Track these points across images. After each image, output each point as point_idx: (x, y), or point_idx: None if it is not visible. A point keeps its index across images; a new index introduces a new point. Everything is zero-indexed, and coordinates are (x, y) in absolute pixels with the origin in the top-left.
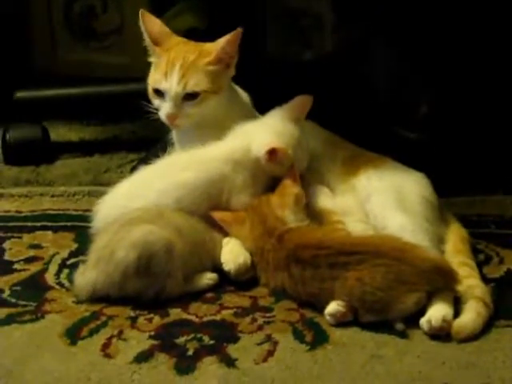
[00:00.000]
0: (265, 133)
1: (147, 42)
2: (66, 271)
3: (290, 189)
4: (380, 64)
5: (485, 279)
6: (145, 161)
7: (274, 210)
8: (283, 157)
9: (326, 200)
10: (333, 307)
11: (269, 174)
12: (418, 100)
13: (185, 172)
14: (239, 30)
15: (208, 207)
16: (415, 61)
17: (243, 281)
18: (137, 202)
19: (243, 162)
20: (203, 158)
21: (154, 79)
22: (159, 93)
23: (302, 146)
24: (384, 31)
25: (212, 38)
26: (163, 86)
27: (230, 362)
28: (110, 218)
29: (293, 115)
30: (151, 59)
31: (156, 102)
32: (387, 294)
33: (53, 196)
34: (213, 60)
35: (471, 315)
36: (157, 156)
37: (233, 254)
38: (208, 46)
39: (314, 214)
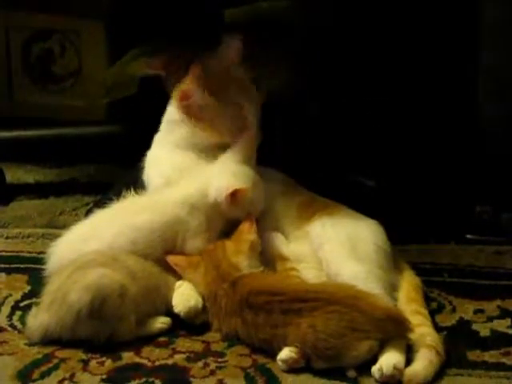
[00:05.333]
0: (222, 176)
1: None
2: (18, 313)
3: (246, 235)
4: (334, 111)
5: (437, 327)
6: (100, 204)
7: (228, 255)
8: (244, 198)
9: (280, 246)
10: (285, 353)
11: (225, 219)
12: (373, 147)
13: (140, 215)
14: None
15: (163, 250)
16: (368, 109)
17: (196, 325)
18: (91, 244)
19: (199, 205)
20: (159, 201)
21: None
22: None
23: (258, 187)
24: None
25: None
26: None
27: None
28: (64, 260)
29: (243, 156)
30: None
31: None
32: (340, 341)
33: (7, 238)
34: None
35: (423, 363)
36: (112, 199)
37: (184, 296)
38: None
39: (267, 261)
